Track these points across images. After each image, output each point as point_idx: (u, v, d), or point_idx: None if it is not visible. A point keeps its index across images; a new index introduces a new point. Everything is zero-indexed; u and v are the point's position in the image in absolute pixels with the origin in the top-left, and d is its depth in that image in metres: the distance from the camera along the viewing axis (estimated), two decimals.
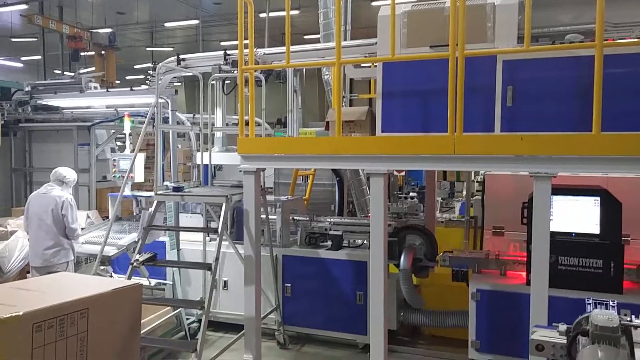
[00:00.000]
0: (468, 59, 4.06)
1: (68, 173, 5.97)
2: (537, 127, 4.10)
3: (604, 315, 1.94)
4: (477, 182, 9.67)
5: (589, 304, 2.19)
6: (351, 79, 7.70)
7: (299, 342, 6.24)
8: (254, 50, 4.98)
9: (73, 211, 5.81)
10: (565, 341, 2.05)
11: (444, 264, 5.62)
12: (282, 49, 5.57)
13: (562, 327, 2.09)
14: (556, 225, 4.74)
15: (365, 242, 6.24)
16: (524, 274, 5.17)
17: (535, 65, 4.20)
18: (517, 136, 3.99)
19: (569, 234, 4.88)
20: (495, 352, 5.23)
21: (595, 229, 4.83)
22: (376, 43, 4.95)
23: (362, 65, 6.75)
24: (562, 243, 4.83)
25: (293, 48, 5.10)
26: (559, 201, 4.86)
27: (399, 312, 6.05)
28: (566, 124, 4.07)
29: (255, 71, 5.46)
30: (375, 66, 5.29)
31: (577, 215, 4.90)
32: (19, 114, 9.17)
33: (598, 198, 4.86)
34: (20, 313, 2.33)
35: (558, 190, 4.61)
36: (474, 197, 7.71)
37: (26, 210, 5.87)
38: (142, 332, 3.38)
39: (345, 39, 6.69)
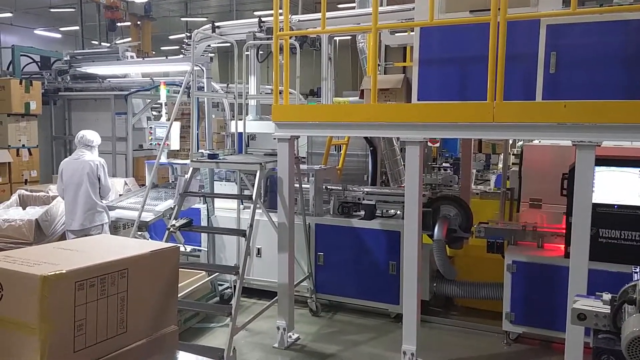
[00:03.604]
0: (510, 24, 3.93)
1: (94, 137, 6.12)
2: (581, 94, 3.98)
3: None
4: (513, 154, 9.49)
5: (636, 272, 2.12)
6: (386, 47, 7.57)
7: (331, 310, 6.30)
8: (289, 17, 4.92)
9: (106, 172, 6.07)
10: (609, 310, 1.99)
11: (479, 235, 5.55)
12: (317, 15, 5.51)
13: (607, 296, 2.04)
14: (598, 197, 4.61)
15: (398, 212, 6.20)
16: (562, 246, 5.08)
17: (580, 30, 4.06)
18: (560, 103, 3.87)
19: (611, 205, 4.74)
20: (529, 324, 5.18)
21: (639, 201, 4.68)
22: (413, 9, 4.84)
23: (398, 32, 6.62)
24: (604, 215, 4.70)
25: (328, 14, 5.02)
26: (601, 172, 4.72)
27: (432, 282, 6.03)
28: (612, 91, 3.93)
29: (289, 38, 5.40)
30: (412, 33, 5.19)
31: (620, 187, 4.75)
32: (59, 83, 9.35)
33: None
34: (64, 271, 2.38)
35: (600, 160, 4.46)
36: (511, 169, 7.57)
37: (60, 177, 6.05)
38: (178, 295, 3.44)
39: (381, 5, 6.55)
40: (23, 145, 8.45)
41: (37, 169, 8.67)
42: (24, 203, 6.84)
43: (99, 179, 5.96)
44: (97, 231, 5.80)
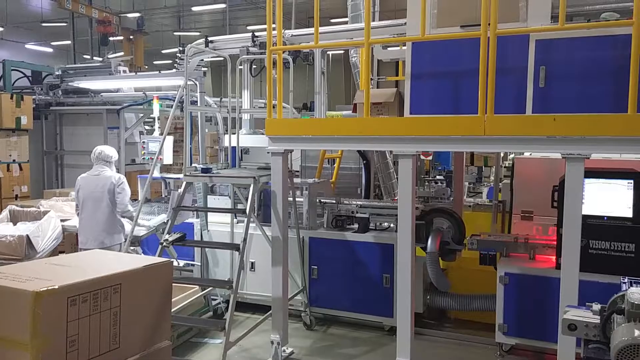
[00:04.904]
0: (500, 39, 3.99)
1: (112, 152, 5.92)
2: (570, 107, 4.02)
3: None
4: (505, 167, 9.56)
5: (625, 282, 2.15)
6: (378, 61, 7.64)
7: (325, 324, 6.27)
8: (282, 31, 4.96)
9: (127, 189, 5.80)
10: (598, 321, 2.01)
11: (471, 247, 5.58)
12: (310, 30, 5.56)
13: (596, 306, 2.06)
14: (588, 209, 4.64)
15: (391, 225, 6.22)
16: (553, 257, 5.11)
17: (569, 44, 4.11)
18: (550, 117, 3.92)
19: (601, 217, 4.79)
20: (522, 335, 5.19)
21: (628, 213, 4.72)
22: (405, 24, 4.90)
23: (390, 47, 6.68)
24: (594, 226, 4.74)
25: (321, 29, 5.08)
26: (590, 184, 4.77)
27: (426, 295, 6.04)
28: (600, 104, 3.98)
29: (283, 53, 5.44)
30: (404, 47, 5.24)
31: (610, 199, 4.80)
32: (50, 97, 9.33)
33: (631, 181, 4.74)
34: (56, 287, 2.38)
35: (590, 173, 4.52)
36: (503, 182, 7.63)
37: (77, 193, 5.80)
38: (171, 310, 3.44)
39: (373, 21, 6.62)
40: (14, 161, 8.42)
41: (28, 184, 8.63)
42: (14, 219, 6.78)
43: (120, 195, 5.69)
44: (117, 250, 5.60)
